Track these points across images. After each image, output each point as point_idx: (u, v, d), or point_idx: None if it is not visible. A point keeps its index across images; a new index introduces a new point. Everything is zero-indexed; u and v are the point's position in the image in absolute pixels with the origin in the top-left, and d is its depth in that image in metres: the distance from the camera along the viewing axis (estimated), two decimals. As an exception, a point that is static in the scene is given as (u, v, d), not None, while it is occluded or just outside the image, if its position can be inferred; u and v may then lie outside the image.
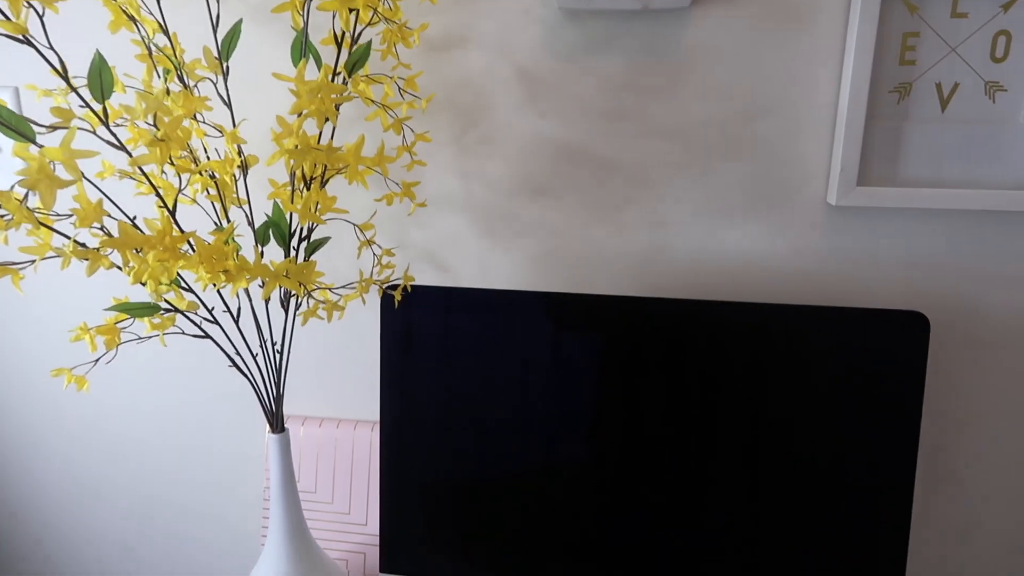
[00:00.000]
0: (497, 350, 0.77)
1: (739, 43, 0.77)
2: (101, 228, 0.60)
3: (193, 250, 0.61)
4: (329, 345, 0.94)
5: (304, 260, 0.73)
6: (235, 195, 0.70)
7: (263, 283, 0.63)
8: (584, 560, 0.79)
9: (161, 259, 0.58)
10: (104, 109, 0.59)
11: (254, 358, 0.75)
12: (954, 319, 0.82)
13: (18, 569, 1.12)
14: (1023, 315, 0.81)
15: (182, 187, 0.66)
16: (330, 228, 0.88)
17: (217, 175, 0.68)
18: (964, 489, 0.87)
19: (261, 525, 1.03)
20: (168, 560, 1.08)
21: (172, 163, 0.61)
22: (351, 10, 0.64)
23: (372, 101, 0.71)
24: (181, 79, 0.68)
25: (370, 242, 0.75)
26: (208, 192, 0.69)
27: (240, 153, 0.69)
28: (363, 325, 0.93)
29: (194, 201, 0.73)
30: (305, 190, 0.68)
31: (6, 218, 0.54)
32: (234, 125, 0.70)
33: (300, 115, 0.63)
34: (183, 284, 0.68)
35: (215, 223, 0.73)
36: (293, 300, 0.74)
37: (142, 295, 0.69)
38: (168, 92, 0.64)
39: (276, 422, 0.76)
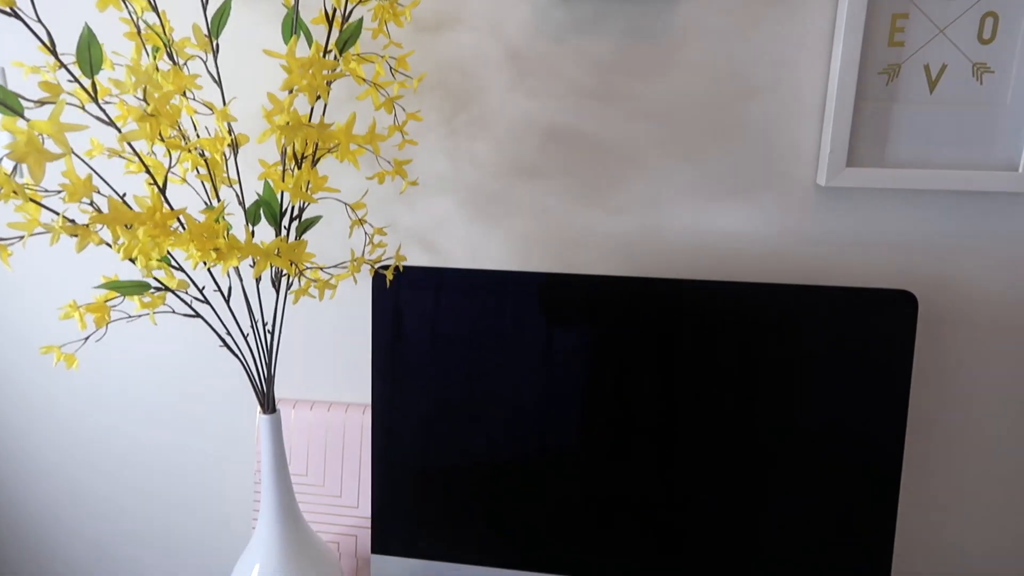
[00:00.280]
0: (489, 331, 0.77)
1: (729, 24, 0.78)
2: (91, 204, 0.60)
3: (183, 228, 0.60)
4: (320, 329, 0.94)
5: (295, 239, 0.73)
6: (225, 175, 0.70)
7: (254, 262, 0.63)
8: (575, 541, 0.79)
9: (151, 235, 0.58)
10: (93, 84, 0.59)
11: (245, 338, 0.75)
12: (941, 298, 0.83)
13: (6, 543, 1.12)
14: (1009, 294, 0.82)
15: (172, 165, 0.66)
16: (321, 210, 0.88)
17: (208, 153, 0.68)
18: (951, 464, 0.88)
19: (253, 508, 1.02)
20: (159, 542, 1.07)
21: (162, 139, 0.61)
22: (342, -13, 0.64)
23: (363, 80, 0.71)
24: (171, 57, 0.68)
25: (362, 221, 0.75)
26: (198, 171, 0.69)
27: (230, 131, 0.69)
28: (354, 308, 0.92)
29: (184, 181, 0.73)
30: (296, 169, 0.68)
31: (-6, 192, 0.53)
32: (224, 103, 0.69)
33: (291, 92, 0.62)
34: (173, 263, 0.67)
35: (205, 203, 0.72)
36: (284, 279, 0.74)
37: (132, 275, 0.68)
38: (157, 70, 0.63)
39: (267, 403, 0.76)
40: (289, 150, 0.68)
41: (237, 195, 0.73)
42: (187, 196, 0.86)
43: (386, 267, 0.76)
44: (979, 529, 0.89)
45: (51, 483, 1.07)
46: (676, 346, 0.75)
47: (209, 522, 1.05)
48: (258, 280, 0.75)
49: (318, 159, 0.70)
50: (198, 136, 0.80)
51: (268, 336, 0.75)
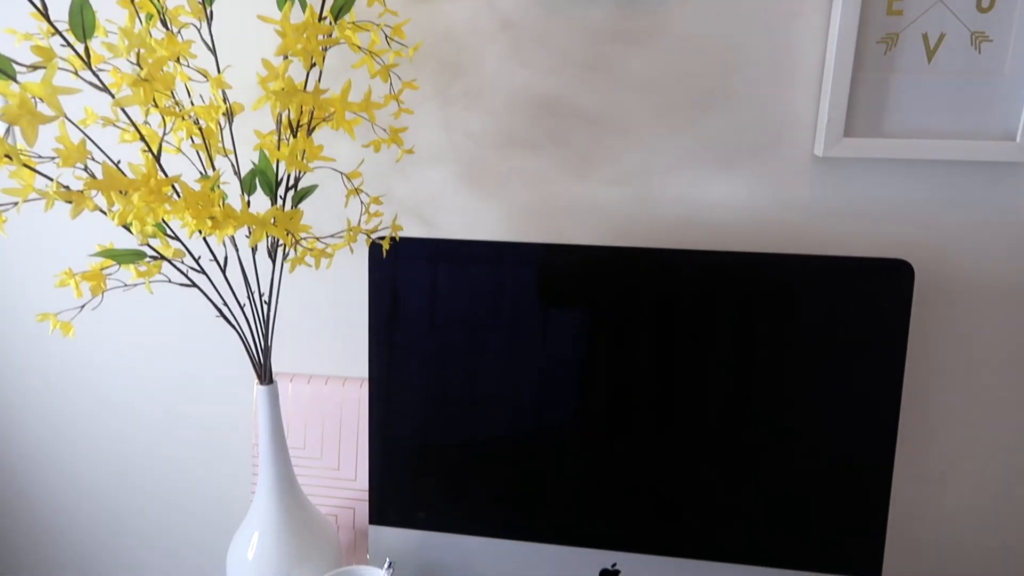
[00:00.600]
0: (486, 302, 0.77)
1: (727, -8, 0.77)
2: (85, 170, 0.59)
3: (179, 196, 0.60)
4: (317, 302, 0.94)
5: (292, 209, 0.72)
6: (220, 144, 0.69)
7: (250, 232, 0.62)
8: (572, 512, 0.80)
9: (147, 201, 0.57)
10: (86, 49, 0.58)
11: (242, 308, 0.75)
12: (938, 268, 0.83)
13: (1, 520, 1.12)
14: (1006, 264, 0.82)
15: (166, 132, 0.65)
16: (317, 180, 0.87)
17: (203, 122, 0.67)
18: (946, 434, 0.88)
19: (251, 481, 1.03)
20: (156, 513, 1.08)
21: (156, 106, 0.61)
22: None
23: (359, 48, 0.70)
24: (164, 24, 0.67)
25: (358, 191, 0.75)
26: (193, 140, 0.68)
27: (225, 99, 0.68)
28: (351, 281, 0.92)
29: (179, 150, 0.73)
30: (292, 138, 0.67)
31: (-12, 156, 0.53)
32: (219, 71, 0.69)
33: (286, 57, 0.62)
34: (169, 231, 0.67)
35: (200, 172, 0.72)
36: (280, 250, 0.74)
37: (129, 245, 0.68)
38: (150, 36, 0.63)
39: (264, 373, 0.76)
40: (284, 119, 0.67)
41: (232, 165, 0.73)
42: (182, 165, 0.85)
43: (382, 237, 0.76)
44: (973, 498, 0.90)
45: (43, 456, 1.07)
46: (672, 316, 0.75)
47: (208, 493, 1.06)
48: (254, 250, 0.74)
49: (313, 128, 0.69)
50: (192, 104, 0.79)
51: (264, 306, 0.75)
